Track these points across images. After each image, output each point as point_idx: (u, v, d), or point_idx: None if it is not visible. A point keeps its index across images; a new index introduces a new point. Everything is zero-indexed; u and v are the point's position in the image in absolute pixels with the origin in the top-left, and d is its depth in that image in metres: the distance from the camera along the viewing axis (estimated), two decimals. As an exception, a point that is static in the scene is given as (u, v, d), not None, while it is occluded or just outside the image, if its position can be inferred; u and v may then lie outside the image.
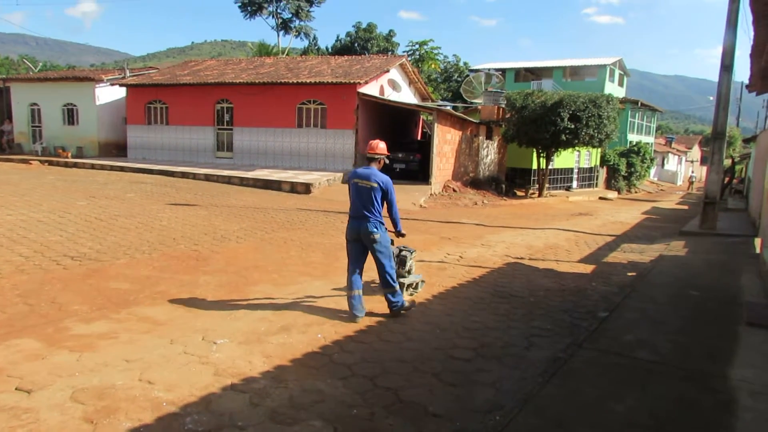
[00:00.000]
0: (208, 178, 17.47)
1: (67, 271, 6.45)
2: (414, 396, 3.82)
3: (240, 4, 44.50)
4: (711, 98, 14.63)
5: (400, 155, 19.76)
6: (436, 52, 48.11)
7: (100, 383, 3.73)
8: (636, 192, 31.73)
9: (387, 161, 5.64)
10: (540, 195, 22.25)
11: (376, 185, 5.21)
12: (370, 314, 5.52)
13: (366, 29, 47.93)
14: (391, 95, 21.77)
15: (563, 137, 19.81)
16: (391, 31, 49.52)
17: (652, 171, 39.20)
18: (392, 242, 5.62)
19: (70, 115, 24.12)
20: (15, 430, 3.15)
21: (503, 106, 22.32)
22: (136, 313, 5.16)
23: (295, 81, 19.45)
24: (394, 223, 5.46)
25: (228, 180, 17.15)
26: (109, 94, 23.74)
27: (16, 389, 3.62)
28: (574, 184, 27.24)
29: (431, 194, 17.63)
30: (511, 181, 24.51)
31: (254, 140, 20.57)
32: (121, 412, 3.39)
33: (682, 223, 14.82)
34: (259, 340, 4.65)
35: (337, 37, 49.17)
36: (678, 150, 54.93)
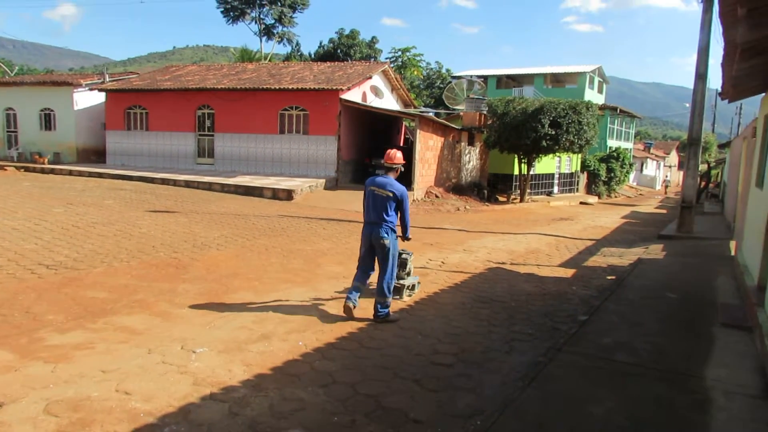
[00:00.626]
0: (188, 184, 17.30)
1: (42, 279, 6.32)
2: (395, 402, 3.81)
3: (222, 9, 44.33)
4: (687, 105, 14.95)
5: (382, 161, 19.80)
6: (418, 59, 48.42)
7: (75, 395, 3.66)
8: (616, 197, 32.22)
9: (402, 169, 5.96)
10: (522, 200, 22.46)
11: (392, 194, 5.48)
12: (354, 319, 5.51)
13: (349, 35, 48.03)
14: (373, 102, 21.83)
15: (544, 143, 20.04)
16: (374, 37, 49.68)
17: (632, 176, 39.84)
18: None
19: (47, 120, 23.73)
20: (-15, 445, 3.08)
21: (485, 112, 22.51)
22: (113, 323, 5.08)
23: (277, 87, 19.40)
24: (404, 229, 5.74)
25: (209, 186, 17.00)
26: (88, 99, 23.42)
27: (-13, 403, 3.53)
28: (555, 189, 27.56)
29: (413, 200, 17.69)
30: (493, 186, 24.70)
31: (236, 146, 20.44)
32: (96, 424, 3.33)
33: (661, 227, 15.08)
34: (239, 348, 4.60)
35: (320, 43, 49.19)
36: (656, 155, 55.93)
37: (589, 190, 30.34)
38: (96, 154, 23.37)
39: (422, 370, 4.39)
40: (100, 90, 22.59)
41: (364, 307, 5.82)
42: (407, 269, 6.47)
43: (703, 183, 26.30)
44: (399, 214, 5.63)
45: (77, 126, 23.25)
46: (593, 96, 35.32)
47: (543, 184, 26.46)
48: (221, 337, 4.82)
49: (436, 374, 4.33)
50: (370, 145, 21.01)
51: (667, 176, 46.85)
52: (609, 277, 8.23)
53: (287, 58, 47.54)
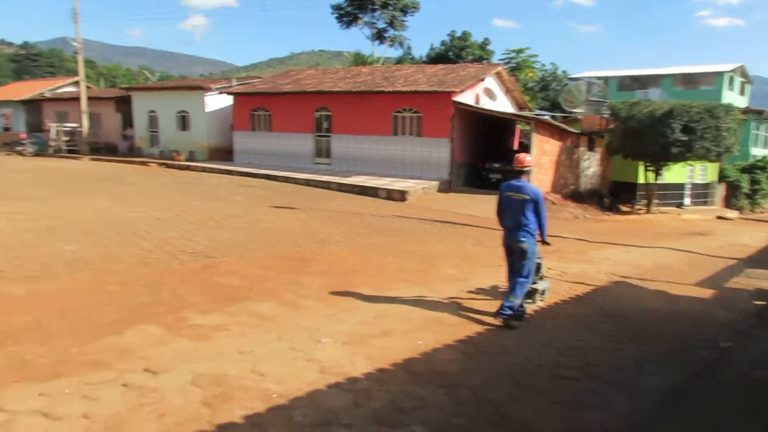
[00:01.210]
0: (308, 183, 18.17)
1: (183, 266, 6.97)
2: (516, 411, 3.71)
3: (337, 15, 46.03)
4: None
5: (495, 165, 19.41)
6: (533, 60, 46.85)
7: (216, 371, 3.98)
8: (762, 212, 28.82)
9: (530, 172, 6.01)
10: (648, 211, 20.87)
11: (528, 197, 5.52)
12: (475, 321, 5.47)
13: (460, 38, 47.70)
14: (486, 104, 21.47)
15: (674, 150, 18.44)
16: (486, 39, 48.86)
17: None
18: None
19: (183, 122, 26.15)
20: (143, 407, 3.44)
21: (606, 116, 21.22)
22: (246, 308, 5.46)
23: (390, 89, 19.76)
24: (542, 232, 5.71)
25: (326, 185, 17.73)
26: (217, 102, 25.47)
27: (144, 370, 3.95)
28: (687, 200, 25.24)
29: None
30: (615, 195, 23.19)
31: (351, 147, 21.11)
32: (235, 400, 3.60)
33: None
34: (362, 341, 4.74)
35: (431, 45, 49.44)
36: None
37: (728, 204, 27.41)
38: (225, 153, 25.35)
39: (545, 381, 4.22)
40: (229, 93, 24.45)
41: (486, 309, 5.75)
42: (540, 273, 6.35)
43: None
44: (536, 218, 5.57)
45: (208, 127, 25.37)
46: (734, 98, 31.95)
47: (672, 194, 24.35)
48: (344, 330, 4.99)
49: (559, 387, 4.15)
50: (483, 149, 20.68)
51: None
52: (757, 302, 7.37)
53: (399, 61, 48.25)
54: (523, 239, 5.48)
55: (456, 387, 4.00)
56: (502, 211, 5.78)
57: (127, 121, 28.73)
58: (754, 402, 3.91)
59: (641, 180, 22.05)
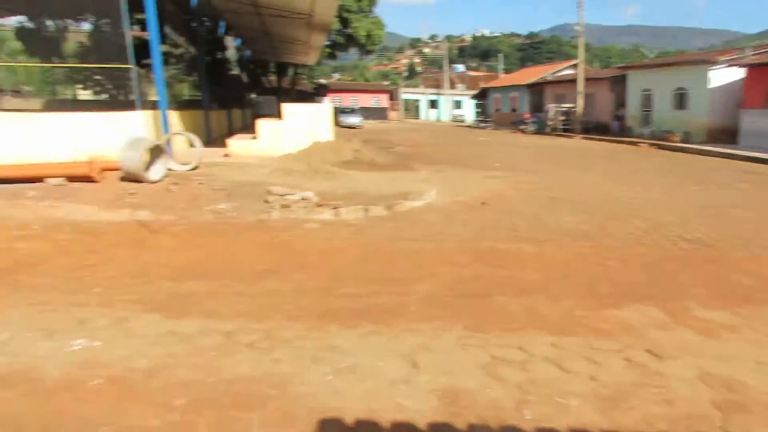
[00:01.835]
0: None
1: (682, 252, 6.55)
2: None
3: None
4: None
5: None
6: None
7: (728, 374, 3.59)
8: None
9: None
10: None
11: None
12: None
13: None
14: None
15: None
16: None
17: None
18: None
19: (680, 100, 24.31)
20: (648, 387, 3.44)
21: None
22: (762, 314, 4.70)
23: None
24: None
25: None
26: (722, 76, 22.41)
27: (646, 350, 3.94)
28: None
29: None
30: None
31: None
32: (751, 413, 3.16)
33: None
34: None
35: None
36: None
37: None
38: (726, 134, 22.29)
39: None
40: (740, 66, 21.12)
41: None
42: None
43: None
44: None
45: (710, 105, 22.75)
46: None
47: None
48: None
49: None
50: None
51: None
52: None
53: None
54: None
55: None
56: None
57: (620, 101, 29.03)
58: None
59: None
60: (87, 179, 8.75)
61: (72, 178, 8.74)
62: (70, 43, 22.32)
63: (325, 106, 15.23)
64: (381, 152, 16.40)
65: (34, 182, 8.60)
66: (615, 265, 5.98)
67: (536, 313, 4.62)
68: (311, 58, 34.57)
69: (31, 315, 4.29)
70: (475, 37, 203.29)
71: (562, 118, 31.08)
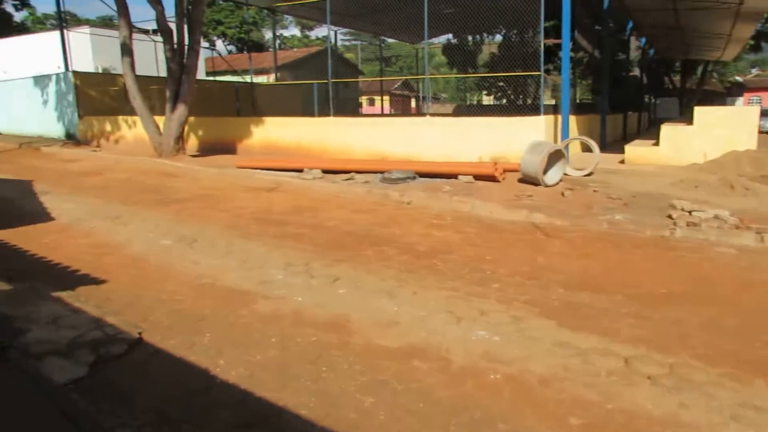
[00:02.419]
0: None
1: None
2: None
3: None
4: None
5: None
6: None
7: None
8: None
9: None
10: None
11: None
12: None
13: None
14: None
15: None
16: None
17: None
18: None
19: None
20: None
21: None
22: None
23: None
24: None
25: None
26: None
27: None
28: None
29: None
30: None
31: None
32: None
33: None
34: None
35: None
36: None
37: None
38: None
39: None
40: None
41: None
42: None
43: None
44: None
45: None
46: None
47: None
48: None
49: None
50: None
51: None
52: None
53: None
54: None
55: None
56: None
57: None
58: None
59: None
60: (490, 178, 9.59)
61: (478, 177, 9.72)
62: (483, 55, 25.13)
63: (748, 109, 12.64)
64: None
65: (449, 178, 9.94)
66: None
67: None
68: (729, 53, 29.43)
69: (442, 298, 4.88)
70: None
71: None
